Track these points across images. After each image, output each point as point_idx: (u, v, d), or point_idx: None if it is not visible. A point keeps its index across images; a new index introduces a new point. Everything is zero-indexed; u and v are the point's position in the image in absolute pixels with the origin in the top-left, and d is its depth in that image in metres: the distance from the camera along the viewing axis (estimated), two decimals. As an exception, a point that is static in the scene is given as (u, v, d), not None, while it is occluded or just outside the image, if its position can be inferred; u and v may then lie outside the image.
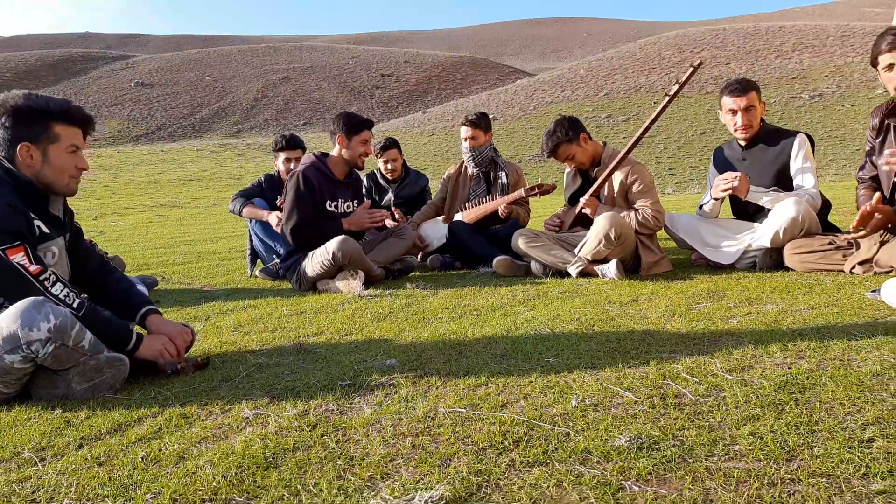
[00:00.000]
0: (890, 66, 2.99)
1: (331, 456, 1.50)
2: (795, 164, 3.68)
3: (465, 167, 4.94)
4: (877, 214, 3.01)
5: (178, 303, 3.86)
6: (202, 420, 1.82)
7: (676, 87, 3.69)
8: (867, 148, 3.37)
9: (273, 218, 4.71)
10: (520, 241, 3.95)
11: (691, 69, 3.65)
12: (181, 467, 1.50)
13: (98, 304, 2.33)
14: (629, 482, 1.27)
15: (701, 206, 3.92)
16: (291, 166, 4.87)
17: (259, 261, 5.04)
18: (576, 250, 3.81)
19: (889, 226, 3.12)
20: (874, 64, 3.10)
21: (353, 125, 4.11)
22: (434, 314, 3.06)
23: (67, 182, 2.29)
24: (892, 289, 2.40)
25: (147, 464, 1.54)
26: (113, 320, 2.29)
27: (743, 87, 3.73)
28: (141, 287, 2.75)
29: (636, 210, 3.84)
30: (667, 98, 3.72)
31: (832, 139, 22.42)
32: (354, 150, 4.13)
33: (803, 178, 3.66)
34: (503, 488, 1.30)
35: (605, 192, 3.96)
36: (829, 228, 3.71)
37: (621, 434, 1.48)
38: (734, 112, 3.76)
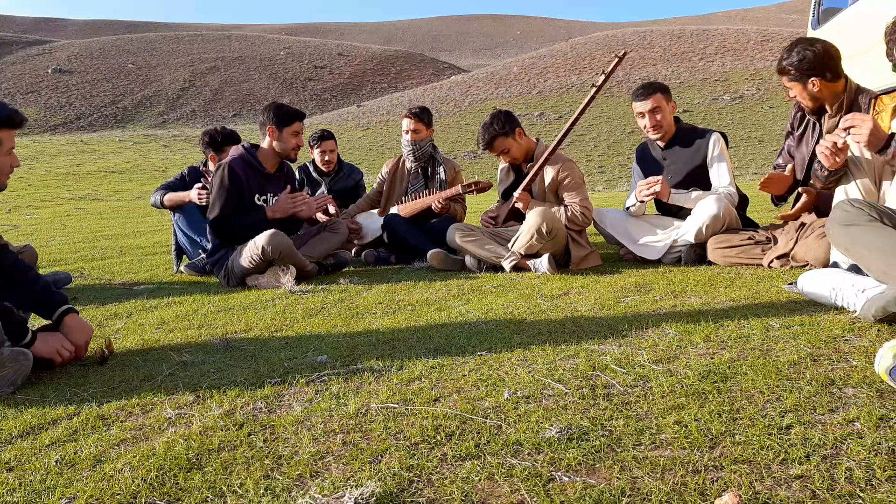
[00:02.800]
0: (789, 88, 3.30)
1: (258, 455, 1.46)
2: (712, 163, 3.84)
3: (403, 161, 4.90)
4: (804, 196, 3.35)
5: (97, 300, 3.69)
6: (121, 421, 1.74)
7: (602, 77, 3.78)
8: (787, 142, 3.58)
9: (193, 193, 4.58)
10: (455, 236, 3.95)
11: (616, 60, 3.76)
12: (98, 471, 1.42)
13: (12, 300, 2.24)
14: (559, 473, 1.29)
15: (627, 208, 4.02)
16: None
17: (185, 256, 4.88)
18: (509, 245, 3.84)
19: (811, 210, 3.36)
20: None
21: (284, 116, 4.01)
22: (368, 309, 3.02)
23: (3, 181, 2.38)
24: (808, 281, 2.51)
25: (61, 468, 1.46)
26: (13, 312, 2.21)
27: (646, 90, 3.88)
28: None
29: (566, 206, 3.90)
30: (594, 89, 3.80)
31: (752, 140, 23.40)
32: (286, 143, 4.02)
33: (720, 176, 3.82)
34: (435, 483, 1.29)
35: (537, 188, 4.01)
36: (748, 223, 3.87)
37: (552, 425, 1.49)
38: (642, 115, 3.91)
